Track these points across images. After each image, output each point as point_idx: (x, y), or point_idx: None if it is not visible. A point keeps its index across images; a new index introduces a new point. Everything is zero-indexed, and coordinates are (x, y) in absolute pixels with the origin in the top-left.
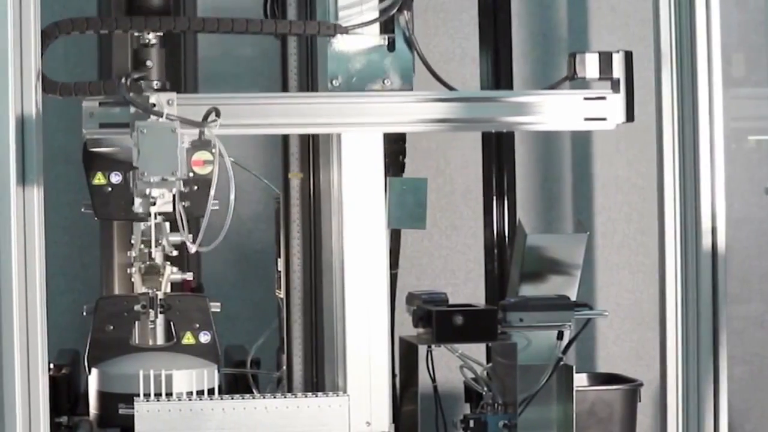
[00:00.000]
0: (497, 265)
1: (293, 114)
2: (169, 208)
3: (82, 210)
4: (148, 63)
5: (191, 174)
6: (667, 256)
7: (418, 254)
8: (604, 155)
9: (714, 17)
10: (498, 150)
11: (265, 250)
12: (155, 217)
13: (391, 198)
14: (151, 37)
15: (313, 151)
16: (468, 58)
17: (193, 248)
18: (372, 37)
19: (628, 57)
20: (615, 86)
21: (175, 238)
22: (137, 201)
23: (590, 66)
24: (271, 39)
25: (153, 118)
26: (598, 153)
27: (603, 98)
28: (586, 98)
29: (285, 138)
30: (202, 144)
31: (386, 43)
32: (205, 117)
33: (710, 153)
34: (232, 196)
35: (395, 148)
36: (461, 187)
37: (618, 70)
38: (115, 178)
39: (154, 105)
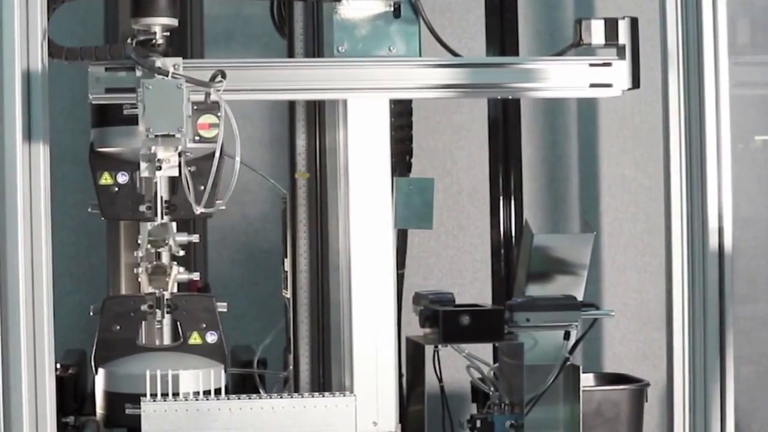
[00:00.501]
0: (504, 265)
1: (299, 79)
2: (174, 172)
3: (89, 210)
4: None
5: (197, 138)
6: (674, 256)
7: (424, 254)
8: (610, 155)
9: (721, 17)
10: (505, 150)
11: (272, 249)
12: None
13: (397, 198)
14: None
15: (320, 151)
16: None
17: (198, 209)
18: (378, 3)
19: (634, 23)
20: (621, 52)
21: (182, 237)
22: (143, 166)
23: (596, 32)
24: None
25: (158, 76)
26: (605, 153)
27: (609, 64)
28: (591, 64)
29: (292, 138)
30: (207, 107)
31: (392, 9)
32: (212, 79)
33: (717, 153)
34: (238, 158)
35: (402, 148)
36: (468, 187)
37: (624, 37)
38: (122, 178)
39: (160, 68)
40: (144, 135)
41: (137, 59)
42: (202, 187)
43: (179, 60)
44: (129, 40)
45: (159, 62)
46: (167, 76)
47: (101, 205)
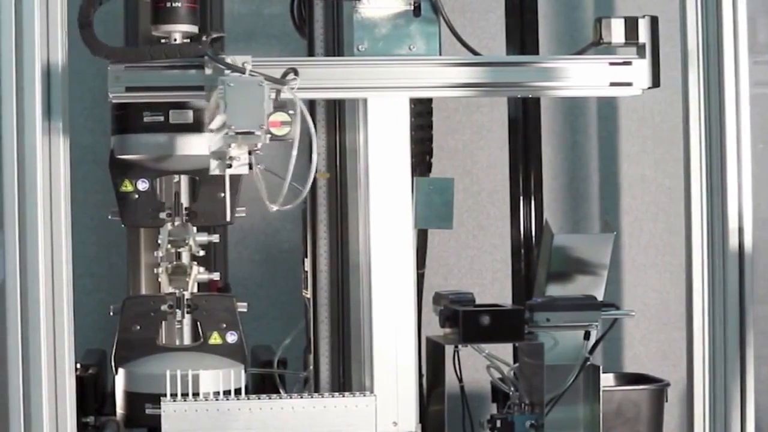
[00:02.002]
0: (524, 265)
1: (320, 78)
2: (245, 170)
3: (109, 217)
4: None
5: (268, 135)
6: (694, 255)
7: (444, 254)
8: (630, 155)
9: (741, 16)
10: (525, 150)
11: (292, 249)
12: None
13: (417, 198)
14: None
15: (340, 150)
16: None
17: (273, 207)
18: (398, 2)
19: (654, 22)
20: (641, 51)
21: (202, 238)
22: (213, 163)
23: (616, 31)
24: None
25: (237, 74)
26: (625, 153)
27: (629, 63)
28: (611, 63)
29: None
30: (278, 105)
31: (412, 8)
32: (283, 76)
33: (737, 152)
34: (315, 156)
35: (422, 148)
36: (488, 187)
37: (644, 35)
38: (142, 185)
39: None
40: (224, 132)
41: (214, 57)
42: (222, 195)
43: (248, 58)
44: (204, 38)
45: (228, 59)
46: (244, 73)
47: (122, 213)
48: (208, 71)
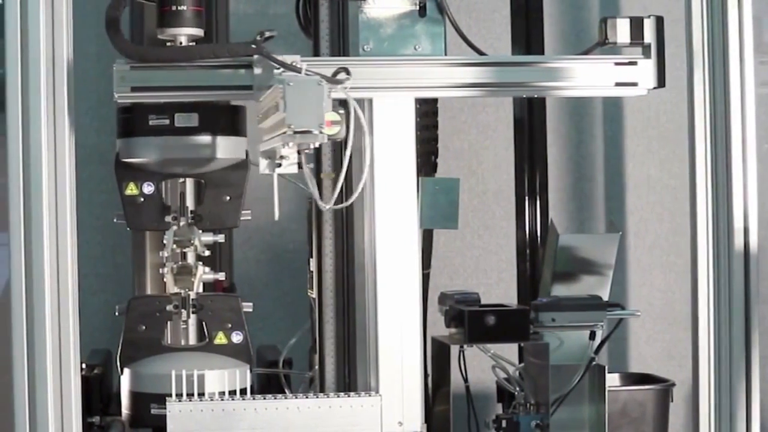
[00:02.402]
0: (529, 265)
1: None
2: (294, 170)
3: (115, 220)
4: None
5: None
6: (699, 256)
7: (450, 254)
8: (636, 155)
9: (746, 16)
10: (530, 150)
11: (298, 249)
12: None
13: (423, 198)
14: None
15: (345, 150)
16: None
17: (325, 206)
18: (403, 2)
19: (659, 22)
20: (646, 51)
21: (208, 238)
22: (263, 163)
23: (621, 31)
24: None
25: (294, 73)
26: (630, 153)
27: (634, 63)
28: (617, 63)
29: None
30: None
31: (417, 8)
32: (333, 75)
33: (742, 152)
34: (368, 155)
35: (427, 148)
36: (493, 187)
37: (649, 35)
38: (147, 188)
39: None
40: (282, 131)
41: (271, 56)
42: (228, 198)
43: (297, 57)
44: (258, 37)
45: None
46: (300, 73)
47: (127, 216)
48: (257, 71)
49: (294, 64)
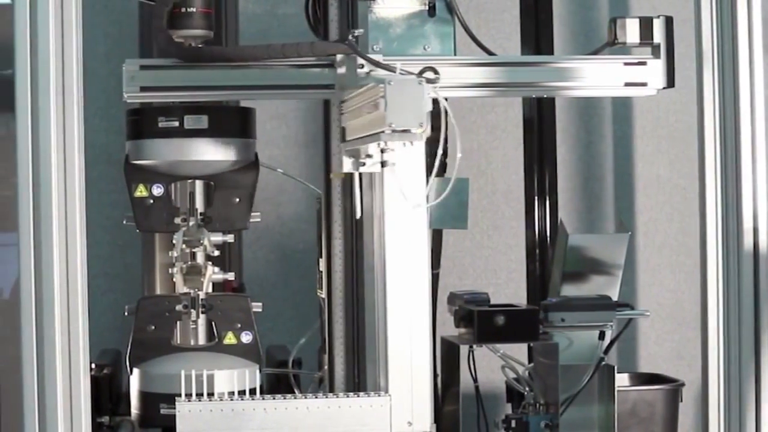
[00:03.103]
0: (539, 265)
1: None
2: (377, 169)
3: (124, 222)
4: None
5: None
6: (709, 255)
7: (459, 254)
8: (645, 155)
9: (755, 15)
10: (540, 150)
11: (307, 250)
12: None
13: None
14: None
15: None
16: None
17: (420, 204)
18: (413, 2)
19: (669, 22)
20: (655, 51)
21: (217, 238)
22: (346, 162)
23: (631, 31)
24: None
25: (391, 73)
26: (640, 153)
27: (643, 63)
28: (626, 63)
29: (327, 138)
30: None
31: (427, 8)
32: (420, 74)
33: (752, 152)
34: (459, 153)
35: (437, 148)
36: (503, 187)
37: (659, 35)
38: (157, 190)
39: (362, 66)
40: (381, 130)
41: (363, 55)
42: (238, 200)
43: (379, 56)
44: (351, 37)
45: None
46: (395, 72)
47: (136, 218)
48: (340, 70)
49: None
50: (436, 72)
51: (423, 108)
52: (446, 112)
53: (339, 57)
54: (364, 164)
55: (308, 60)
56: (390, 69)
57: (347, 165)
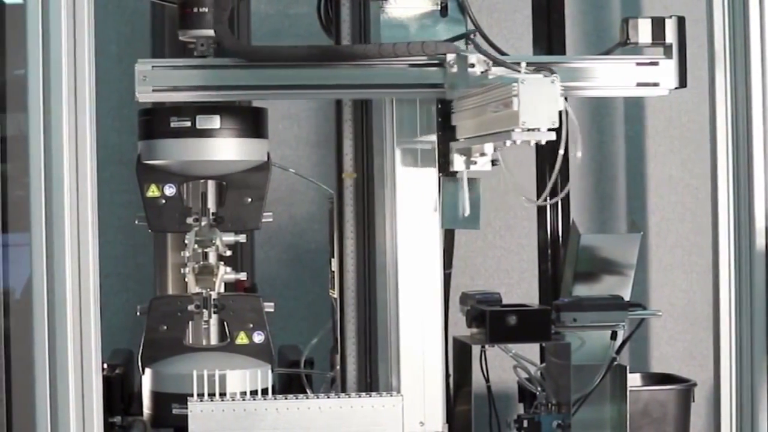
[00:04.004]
0: (551, 265)
1: (347, 78)
2: (488, 168)
3: (136, 222)
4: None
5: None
6: (721, 255)
7: (471, 254)
8: (657, 155)
9: None
10: (552, 150)
11: (319, 250)
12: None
13: (444, 198)
14: None
15: (367, 151)
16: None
17: (532, 203)
18: (425, 2)
19: (681, 22)
20: (667, 52)
21: (229, 238)
22: (458, 159)
23: (643, 31)
24: None
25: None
26: (652, 153)
27: (656, 64)
28: (638, 63)
29: (339, 138)
30: None
31: (439, 8)
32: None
33: (764, 152)
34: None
35: (449, 147)
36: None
37: (671, 36)
38: (169, 190)
39: (473, 65)
40: (511, 129)
41: (489, 53)
42: (250, 200)
43: (483, 57)
44: (472, 35)
45: (472, 58)
46: (520, 71)
47: (148, 218)
48: (452, 69)
49: (484, 62)
50: (552, 72)
51: (556, 107)
52: (566, 112)
53: (449, 56)
54: (475, 162)
55: (419, 59)
56: (514, 68)
57: (458, 163)
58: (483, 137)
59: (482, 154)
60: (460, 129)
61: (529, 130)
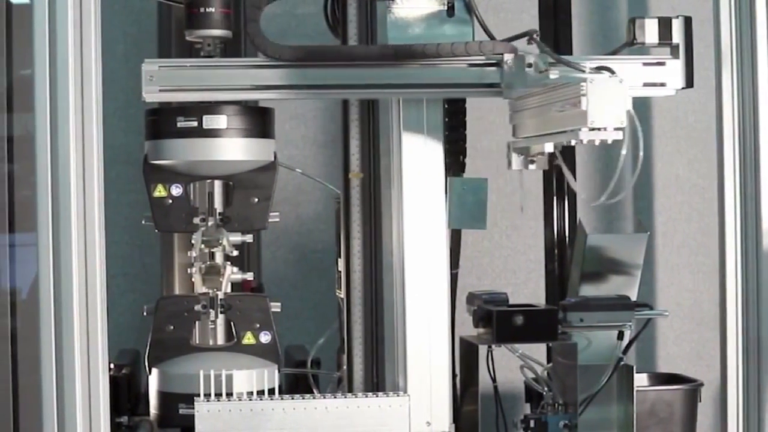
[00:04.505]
0: (558, 265)
1: (355, 78)
2: (544, 166)
3: (143, 222)
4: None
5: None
6: (728, 256)
7: (478, 254)
8: (664, 155)
9: None
10: (559, 150)
11: (326, 250)
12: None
13: (451, 198)
14: None
15: (374, 151)
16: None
17: (593, 203)
18: (431, 2)
19: (688, 22)
20: (674, 52)
21: (236, 238)
22: (516, 159)
23: (650, 31)
24: None
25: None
26: (659, 153)
27: (662, 64)
28: (645, 63)
29: (345, 138)
30: None
31: (446, 8)
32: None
33: None
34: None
35: (456, 147)
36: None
37: (677, 36)
38: (176, 190)
39: (530, 65)
40: (577, 128)
41: (551, 54)
42: (256, 199)
43: (540, 57)
44: (535, 35)
45: (531, 58)
46: (584, 71)
47: (155, 218)
48: (507, 68)
49: (544, 62)
50: (613, 72)
51: (623, 107)
52: (632, 113)
53: (507, 56)
54: (533, 161)
55: (476, 59)
56: (579, 69)
57: (516, 162)
58: (546, 136)
59: (541, 154)
60: (519, 128)
61: (596, 129)
